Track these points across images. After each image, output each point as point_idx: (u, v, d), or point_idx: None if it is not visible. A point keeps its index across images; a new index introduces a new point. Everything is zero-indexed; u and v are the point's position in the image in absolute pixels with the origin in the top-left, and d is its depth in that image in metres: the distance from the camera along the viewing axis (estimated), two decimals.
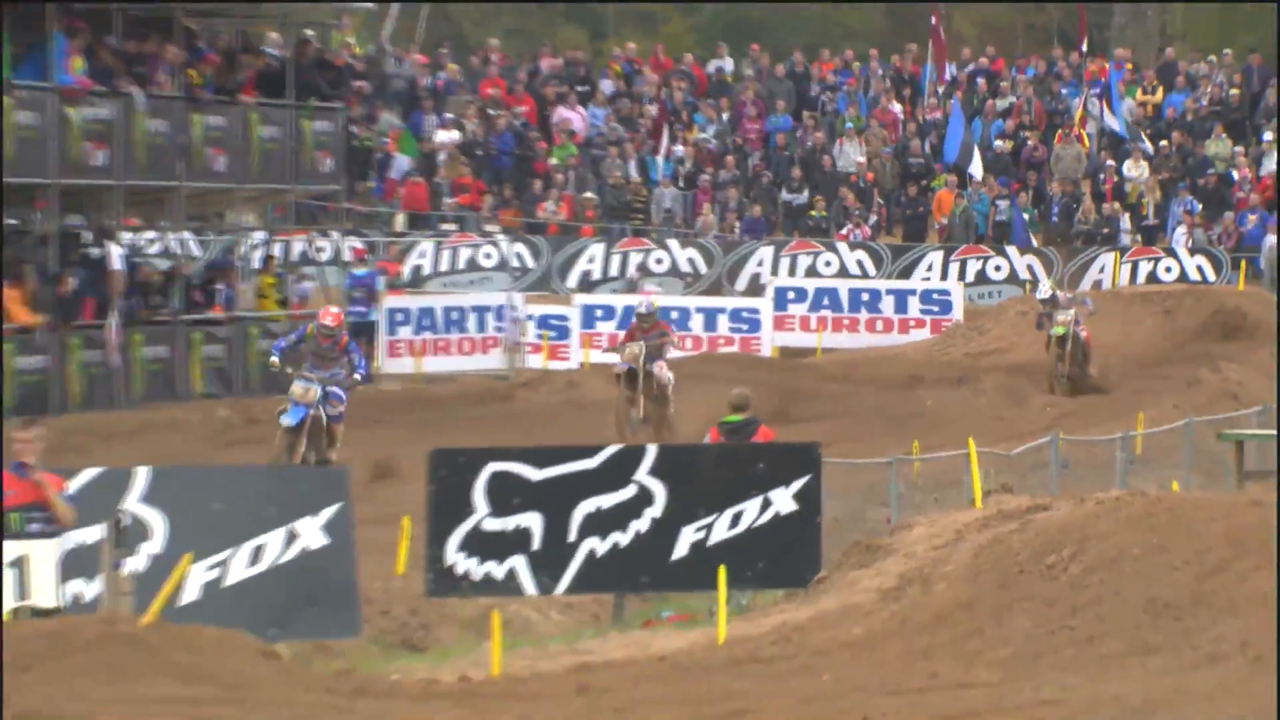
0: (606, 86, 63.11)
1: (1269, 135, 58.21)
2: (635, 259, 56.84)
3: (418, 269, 56.88)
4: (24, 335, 42.32)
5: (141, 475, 25.08)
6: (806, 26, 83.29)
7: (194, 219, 51.10)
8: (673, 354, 37.62)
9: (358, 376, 31.39)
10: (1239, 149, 57.47)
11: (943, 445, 34.93)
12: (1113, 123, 58.47)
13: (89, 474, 25.04)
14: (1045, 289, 45.45)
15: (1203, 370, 46.72)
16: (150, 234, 50.59)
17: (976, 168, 58.13)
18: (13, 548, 23.09)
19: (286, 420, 29.59)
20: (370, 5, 59.84)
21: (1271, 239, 53.91)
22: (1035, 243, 56.26)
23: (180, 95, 46.09)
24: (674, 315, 51.06)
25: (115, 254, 46.30)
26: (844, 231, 57.13)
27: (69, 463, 27.73)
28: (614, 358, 37.37)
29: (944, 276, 55.60)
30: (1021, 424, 40.33)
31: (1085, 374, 42.76)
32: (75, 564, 23.77)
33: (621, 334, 47.06)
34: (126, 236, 48.00)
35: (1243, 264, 53.84)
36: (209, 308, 47.79)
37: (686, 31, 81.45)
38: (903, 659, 22.75)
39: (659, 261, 56.64)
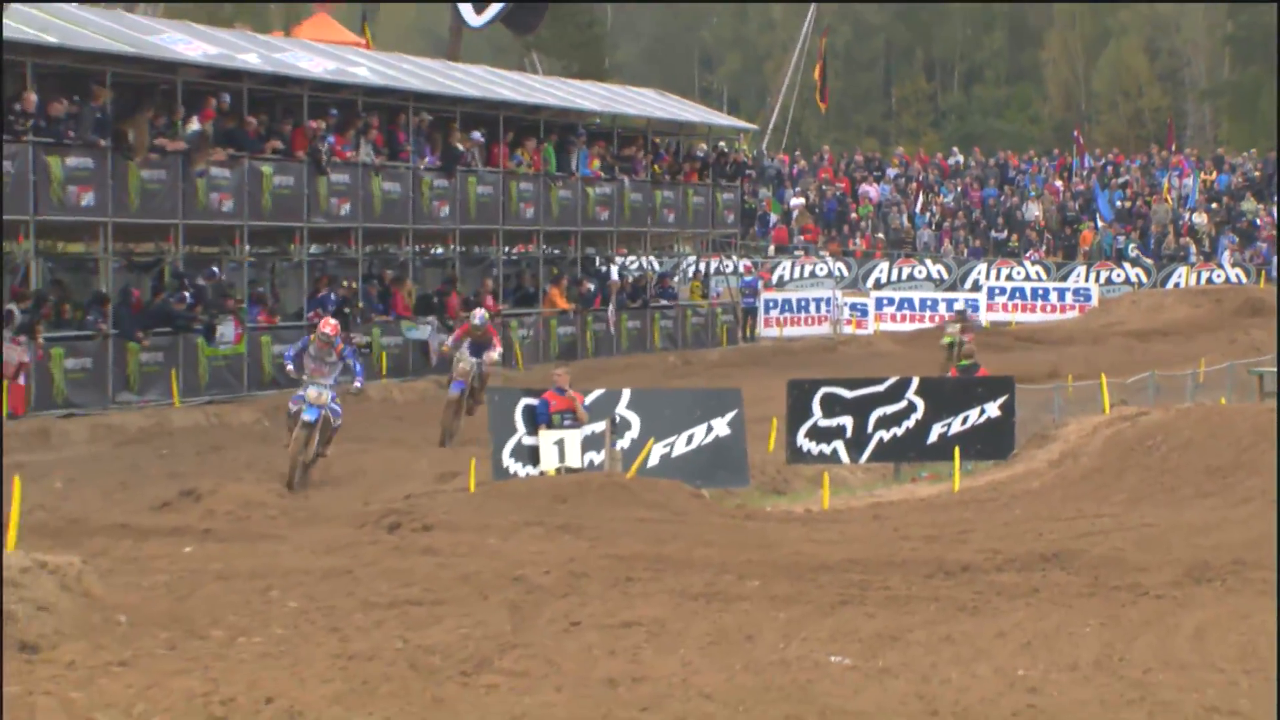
0: (891, 172, 72.56)
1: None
2: (907, 270, 64.89)
3: (780, 277, 65.15)
4: (562, 314, 48.71)
5: (625, 394, 28.33)
6: (1005, 135, 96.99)
7: (656, 250, 57.55)
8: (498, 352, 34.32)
9: (357, 385, 28.46)
10: (1260, 206, 66.59)
11: (1085, 377, 37.95)
12: (1187, 191, 67.32)
13: (596, 393, 28.39)
14: (951, 322, 44.19)
15: (1238, 334, 53.70)
16: (631, 258, 58.24)
17: (1108, 216, 66.43)
18: (555, 435, 27.21)
19: (306, 417, 27.17)
20: (754, 127, 68.59)
21: (1274, 259, 62.65)
22: (1141, 260, 64.01)
23: (648, 180, 53.53)
24: (928, 303, 61.19)
25: (614, 270, 55.27)
26: (1028, 254, 65.38)
27: (583, 385, 30.24)
28: (454, 351, 33.55)
29: (1086, 280, 63.10)
30: (1131, 366, 42.37)
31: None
32: (590, 443, 27.42)
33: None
34: (620, 259, 57.05)
35: (1262, 273, 62.37)
36: (664, 299, 54.86)
37: (937, 140, 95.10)
38: (1061, 501, 25.63)
39: (920, 273, 64.79)
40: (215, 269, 40.19)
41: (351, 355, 28.60)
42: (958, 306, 50.82)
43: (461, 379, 33.18)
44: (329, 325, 28.03)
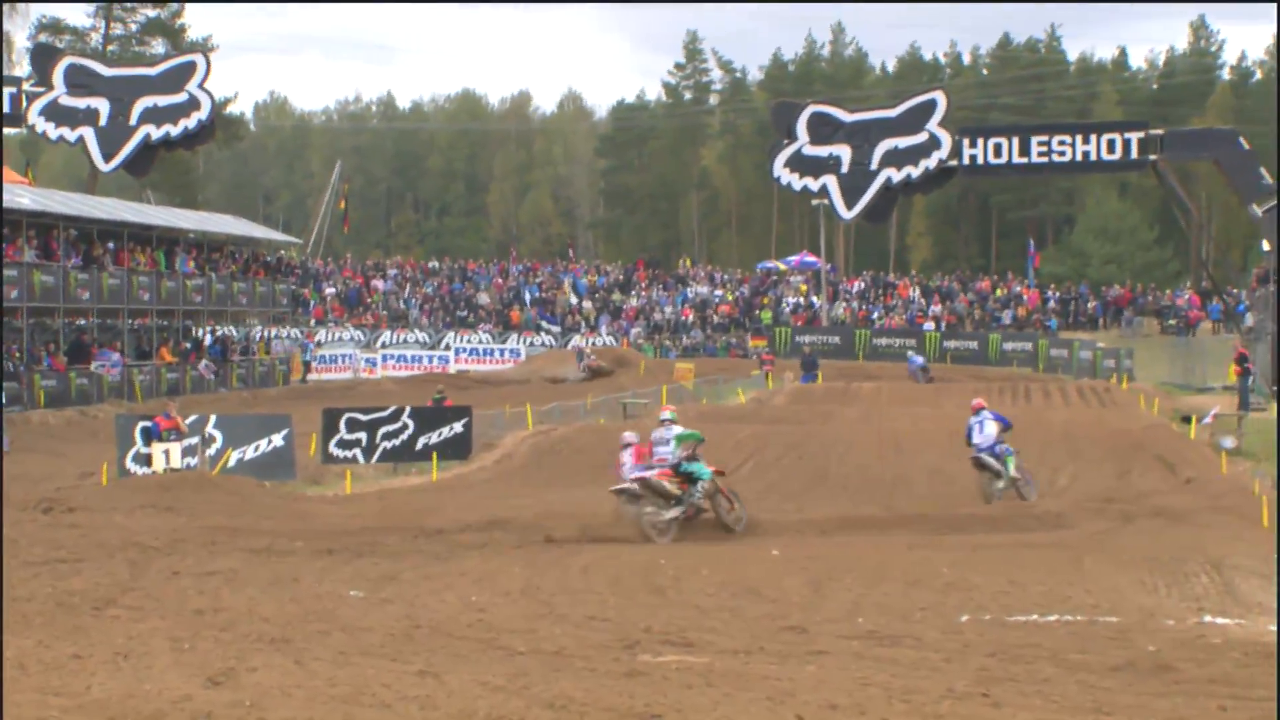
0: (392, 271, 70.30)
1: None
2: (402, 336, 61.52)
3: (319, 340, 60.99)
4: (169, 364, 49.36)
5: (213, 418, 27.62)
6: (465, 248, 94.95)
7: (234, 322, 56.32)
8: None
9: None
10: (625, 297, 66.58)
11: (517, 405, 36.15)
12: (578, 286, 67.51)
13: (193, 417, 27.39)
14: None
15: (614, 378, 52.60)
16: (218, 328, 55.02)
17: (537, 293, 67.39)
18: (163, 446, 26.03)
19: None
20: (300, 241, 67.71)
21: (632, 329, 63.12)
22: (551, 329, 63.19)
23: (229, 275, 53.52)
24: (417, 358, 59.44)
25: (206, 335, 55.20)
26: (480, 326, 63.15)
27: (185, 412, 28.52)
28: None
29: (517, 343, 61.03)
30: (546, 398, 41.37)
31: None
32: (188, 452, 26.44)
33: None
34: (209, 328, 54.15)
35: (625, 339, 61.78)
36: (241, 354, 57.40)
37: (422, 251, 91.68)
38: (502, 486, 26.98)
39: (411, 339, 61.36)
40: None
41: None
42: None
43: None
44: None
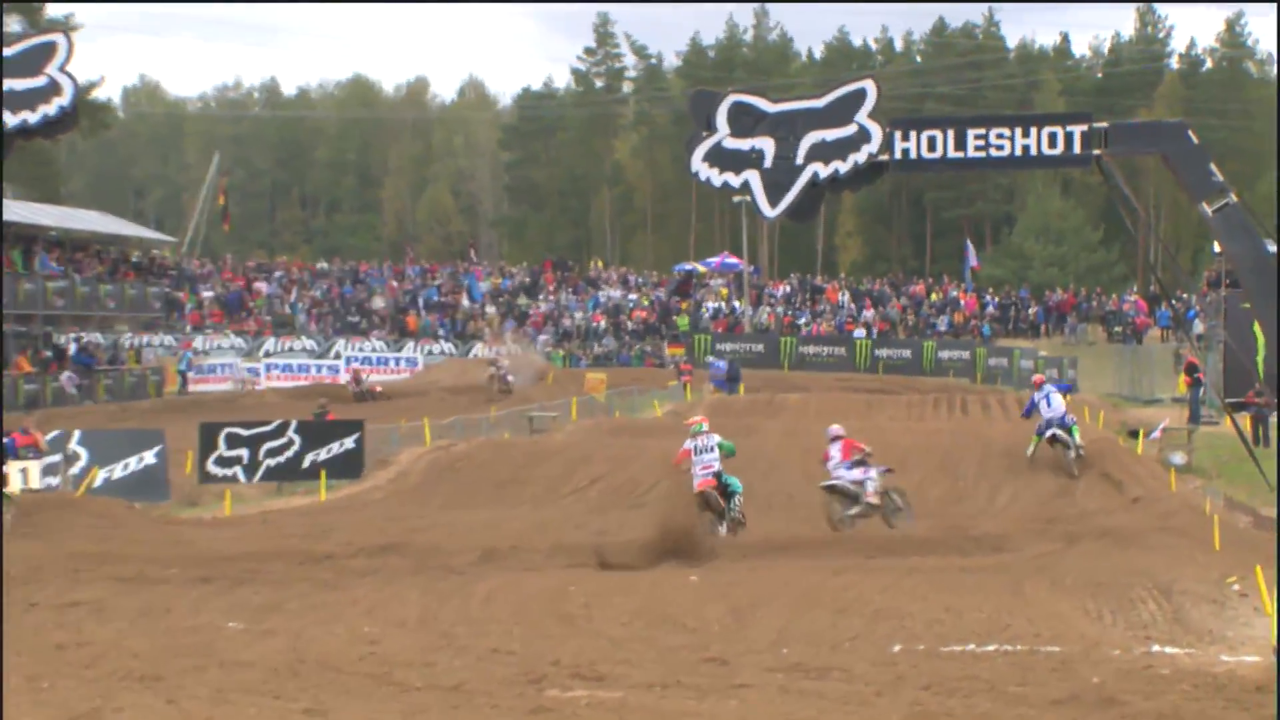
0: (277, 273, 69.71)
1: None
2: (288, 344, 62.66)
3: (196, 349, 60.52)
4: (27, 375, 47.13)
5: (77, 434, 27.75)
6: (357, 249, 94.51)
7: (102, 328, 55.90)
8: None
9: None
10: (531, 301, 67.11)
11: (414, 419, 36.73)
12: (481, 290, 68.83)
13: (55, 433, 27.57)
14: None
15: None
16: (83, 334, 54.33)
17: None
18: (20, 464, 25.76)
19: None
20: (175, 240, 68.92)
21: (539, 337, 62.92)
22: (451, 338, 62.81)
23: (94, 276, 53.14)
24: (305, 367, 59.48)
25: (71, 343, 54.91)
26: (374, 333, 62.87)
27: (45, 428, 28.81)
28: None
29: (414, 352, 61.34)
30: (444, 412, 41.13)
31: None
32: (49, 470, 26.50)
33: None
34: (73, 336, 54.08)
35: (533, 346, 62.06)
36: (110, 364, 54.93)
37: (309, 251, 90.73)
38: (397, 506, 27.61)
39: (299, 346, 61.46)
40: None
41: None
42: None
43: None
44: None
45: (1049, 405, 28.05)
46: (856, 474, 22.73)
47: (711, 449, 21.26)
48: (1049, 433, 27.93)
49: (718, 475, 21.22)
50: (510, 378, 50.73)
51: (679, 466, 21.53)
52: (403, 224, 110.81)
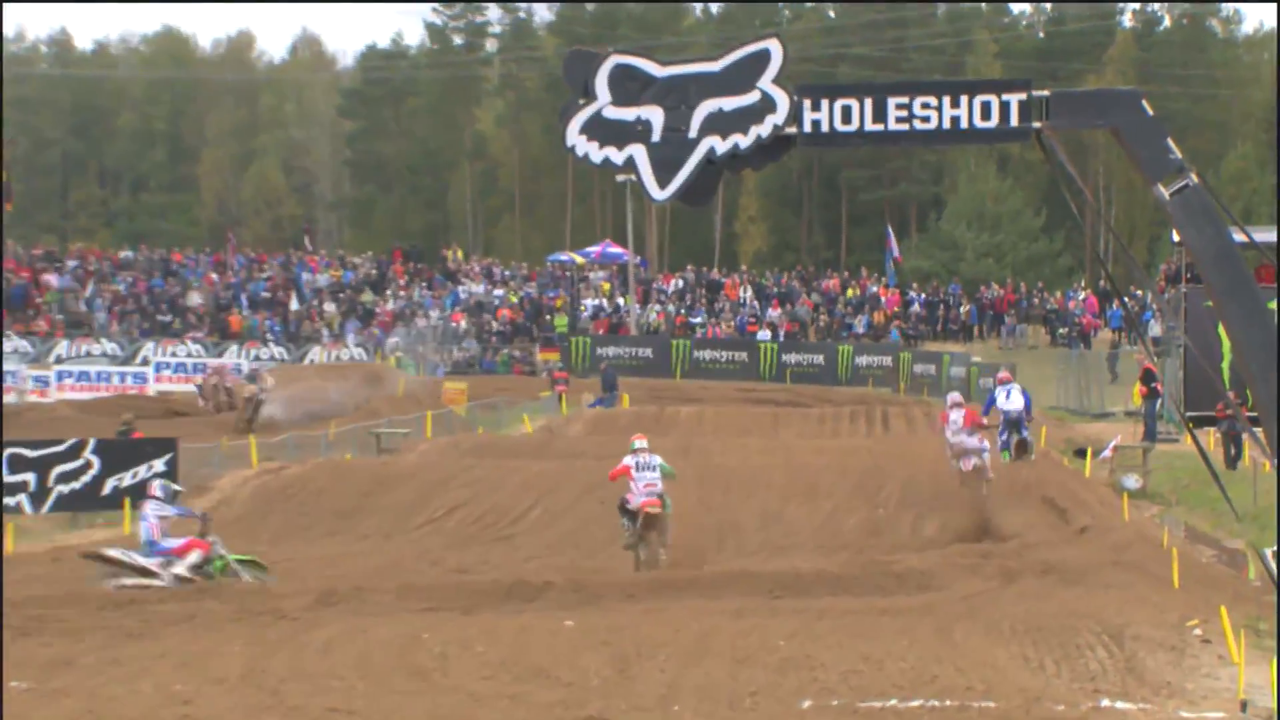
0: (70, 263, 68.74)
1: None
2: (85, 347, 60.91)
3: None
4: None
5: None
6: (168, 234, 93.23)
7: None
8: None
9: None
10: (377, 297, 67.15)
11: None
12: (318, 285, 69.98)
13: None
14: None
15: (363, 400, 50.32)
16: None
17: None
18: None
19: None
20: None
21: (387, 339, 62.78)
22: (282, 341, 62.95)
23: None
24: (104, 375, 58.76)
25: None
26: (189, 334, 62.15)
27: None
28: None
29: (238, 356, 60.24)
30: (277, 428, 43.31)
31: None
32: None
33: None
34: None
35: (378, 351, 61.69)
36: None
37: (109, 236, 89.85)
38: None
39: (97, 350, 60.80)
40: None
41: None
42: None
43: None
44: None
45: (1006, 398, 30.44)
46: (975, 441, 28.03)
47: (653, 468, 23.06)
48: (1015, 440, 30.35)
49: (660, 497, 22.96)
50: (266, 410, 45.69)
51: (614, 481, 23.27)
52: (224, 205, 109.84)
